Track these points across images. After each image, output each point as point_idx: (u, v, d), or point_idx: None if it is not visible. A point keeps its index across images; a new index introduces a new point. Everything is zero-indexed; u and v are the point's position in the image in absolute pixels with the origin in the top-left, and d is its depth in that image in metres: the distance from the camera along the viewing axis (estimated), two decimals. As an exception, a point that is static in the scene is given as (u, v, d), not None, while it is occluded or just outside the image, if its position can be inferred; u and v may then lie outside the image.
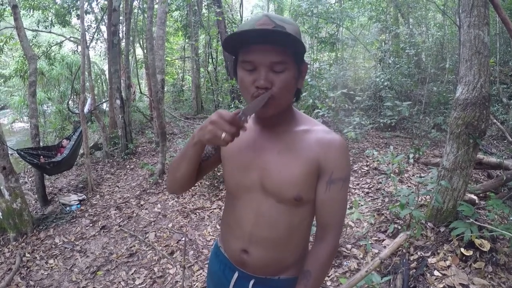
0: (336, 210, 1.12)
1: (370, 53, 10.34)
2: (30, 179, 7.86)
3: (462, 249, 2.83)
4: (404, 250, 3.06)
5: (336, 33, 9.27)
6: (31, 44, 9.04)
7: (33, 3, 10.68)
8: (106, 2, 9.63)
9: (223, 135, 0.94)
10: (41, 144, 6.79)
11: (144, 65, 13.30)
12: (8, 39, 10.83)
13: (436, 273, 2.72)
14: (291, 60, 1.00)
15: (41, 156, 6.03)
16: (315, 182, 1.10)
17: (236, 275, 1.27)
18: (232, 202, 1.25)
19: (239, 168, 1.17)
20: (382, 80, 7.86)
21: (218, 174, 5.64)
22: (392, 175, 3.94)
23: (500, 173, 4.49)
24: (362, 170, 5.32)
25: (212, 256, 1.42)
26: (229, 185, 1.23)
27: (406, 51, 8.38)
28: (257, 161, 1.13)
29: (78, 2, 10.36)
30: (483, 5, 3.06)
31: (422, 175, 4.75)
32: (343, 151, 1.10)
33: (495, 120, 6.16)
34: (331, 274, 2.96)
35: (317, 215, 1.14)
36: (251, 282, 1.24)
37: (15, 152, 5.57)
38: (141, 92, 13.67)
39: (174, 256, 3.85)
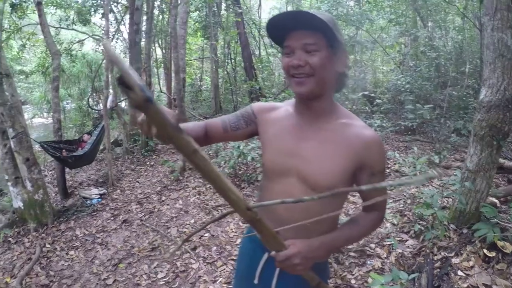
0: (379, 194, 1.19)
1: (389, 56, 10.29)
2: (50, 172, 7.99)
3: (485, 250, 2.84)
4: (427, 250, 3.07)
5: (355, 35, 9.25)
6: (54, 41, 9.21)
7: (55, 1, 10.86)
8: (127, 2, 9.75)
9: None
10: (62, 138, 6.91)
11: (162, 64, 13.41)
12: (30, 36, 11.03)
13: (460, 273, 2.73)
14: (324, 43, 1.08)
15: (63, 150, 6.12)
16: (350, 176, 1.16)
17: (265, 256, 1.32)
18: (268, 185, 1.31)
19: (279, 153, 1.23)
20: (403, 83, 7.81)
21: (239, 173, 5.68)
22: (414, 177, 3.94)
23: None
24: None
25: (245, 237, 1.49)
26: (267, 168, 1.29)
27: (428, 54, 8.32)
28: (297, 148, 1.19)
29: (101, 1, 10.53)
30: (506, 9, 3.07)
31: (443, 178, 4.73)
32: (381, 146, 1.17)
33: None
34: (355, 273, 2.98)
35: (363, 198, 1.28)
36: None
37: (38, 144, 5.65)
38: (161, 91, 13.79)
39: (197, 252, 3.88)
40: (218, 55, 13.72)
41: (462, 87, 8.25)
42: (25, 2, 9.39)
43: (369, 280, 2.85)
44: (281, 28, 1.10)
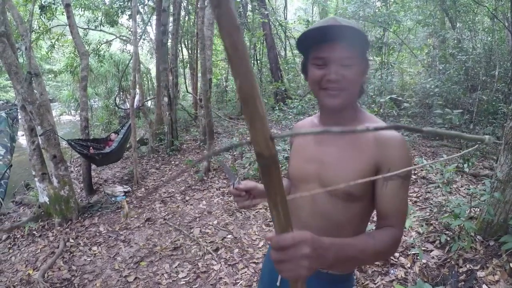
0: (395, 205, 1.08)
1: (416, 58, 10.09)
2: (76, 169, 8.18)
3: (511, 265, 2.74)
4: (453, 262, 3.00)
5: (383, 37, 9.10)
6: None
7: (83, 2, 11.11)
8: (153, 4, 9.87)
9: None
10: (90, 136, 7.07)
11: (188, 64, 13.53)
12: (59, 37, 11.33)
13: (484, 287, 2.66)
14: (357, 56, 1.09)
15: (91, 147, 6.26)
16: (371, 181, 1.12)
17: None
18: (294, 190, 1.34)
19: (302, 160, 1.28)
20: (432, 86, 7.63)
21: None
22: (444, 184, 3.84)
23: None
24: (411, 178, 5.19)
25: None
26: (292, 175, 1.34)
27: (458, 57, 8.10)
28: (318, 155, 1.22)
29: (129, 3, 10.71)
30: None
31: (471, 186, 4.60)
32: (401, 148, 1.09)
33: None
34: (378, 282, 2.93)
35: (377, 209, 1.14)
36: None
37: (66, 141, 5.79)
38: (187, 91, 13.91)
39: (219, 253, 3.89)
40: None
41: (492, 91, 8.00)
42: (54, 4, 9.64)
43: (392, 290, 2.80)
44: (315, 40, 1.10)
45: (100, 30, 11.62)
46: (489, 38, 9.28)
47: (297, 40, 1.14)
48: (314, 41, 1.11)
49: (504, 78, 8.15)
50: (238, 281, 3.38)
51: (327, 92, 1.11)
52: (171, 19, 8.91)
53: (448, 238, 3.28)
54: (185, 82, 14.39)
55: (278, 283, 1.39)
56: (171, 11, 9.32)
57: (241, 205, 1.32)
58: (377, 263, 3.17)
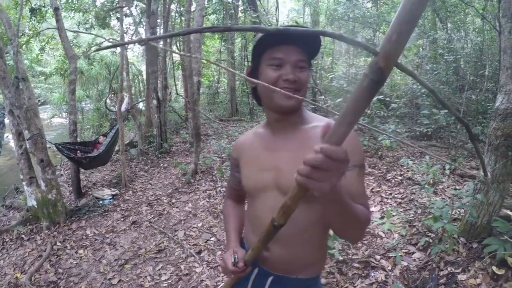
0: (358, 191, 1.11)
1: (406, 59, 10.10)
2: (66, 172, 8.14)
3: (494, 267, 2.71)
4: (434, 265, 2.97)
5: (373, 37, 9.11)
6: (71, 45, 9.37)
7: (74, 5, 11.06)
8: (144, 6, 9.86)
9: (232, 277, 1.24)
10: (78, 139, 7.03)
11: (180, 66, 13.52)
12: (49, 39, 11.27)
13: (465, 290, 2.63)
14: (307, 61, 1.14)
15: (78, 151, 6.22)
16: None
17: (256, 271, 1.33)
18: (252, 202, 1.32)
19: (255, 170, 1.26)
20: (420, 87, 7.64)
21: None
22: (426, 186, 3.83)
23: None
24: (396, 179, 5.19)
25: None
26: (247, 187, 1.32)
27: (445, 57, 8.12)
28: (271, 161, 1.21)
29: (118, 4, 10.67)
30: (524, 10, 2.94)
31: (457, 187, 4.59)
32: (353, 139, 1.12)
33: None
34: (358, 285, 2.90)
35: None
36: (270, 279, 1.29)
37: (54, 145, 5.77)
38: (177, 93, 13.90)
39: (201, 256, 3.89)
40: (235, 58, 13.75)
41: (481, 91, 8.01)
42: (44, 7, 9.59)
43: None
44: (273, 41, 1.11)
45: (90, 33, 11.55)
46: (479, 39, 9.29)
47: (254, 43, 1.14)
48: (271, 43, 1.11)
49: (494, 78, 8.15)
50: (219, 283, 3.38)
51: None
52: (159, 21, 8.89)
53: (431, 241, 3.26)
54: (175, 84, 14.37)
55: None
56: (161, 13, 9.29)
57: (241, 276, 1.26)
58: (357, 265, 3.15)
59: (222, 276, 3.46)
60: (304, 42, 1.10)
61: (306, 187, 0.74)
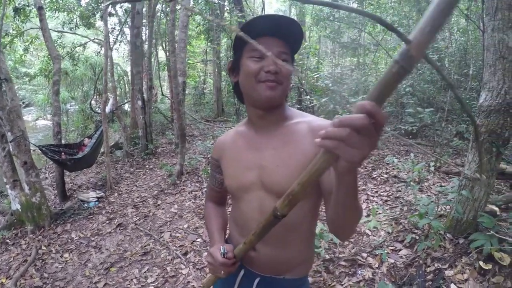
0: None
1: (391, 58, 10.19)
2: (50, 175, 8.03)
3: (480, 262, 2.72)
4: (421, 261, 2.98)
5: (358, 38, 9.16)
6: (55, 45, 9.24)
7: (58, 5, 10.93)
8: (130, 5, 9.79)
9: (222, 273, 1.16)
10: (63, 141, 6.94)
11: (166, 67, 13.45)
12: (33, 39, 11.12)
13: (452, 286, 2.63)
14: (290, 54, 1.12)
15: (63, 153, 6.14)
16: None
17: (242, 272, 1.30)
18: (237, 203, 1.29)
19: (239, 170, 1.22)
20: (404, 86, 7.73)
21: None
22: (412, 183, 3.85)
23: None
24: (382, 177, 5.22)
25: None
26: (231, 187, 1.27)
27: (429, 56, 8.19)
28: (255, 160, 1.18)
29: (102, 5, 10.57)
30: (507, 8, 2.94)
31: (443, 184, 4.62)
32: None
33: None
34: (345, 283, 2.90)
35: (328, 193, 1.08)
36: (256, 281, 1.26)
37: (38, 148, 5.68)
38: (162, 94, 13.82)
39: (187, 257, 3.86)
40: (221, 58, 13.72)
41: (466, 90, 8.12)
42: (28, 6, 9.46)
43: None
44: (257, 31, 1.07)
45: (74, 33, 11.43)
46: (463, 38, 9.42)
47: (236, 35, 1.09)
48: (252, 35, 1.06)
49: (478, 77, 8.26)
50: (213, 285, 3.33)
51: (265, 84, 1.08)
52: (145, 21, 8.82)
53: (417, 237, 3.27)
54: (160, 84, 14.29)
55: None
56: (146, 13, 9.22)
57: (231, 270, 1.19)
58: (344, 264, 3.15)
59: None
60: (285, 34, 1.08)
61: (334, 155, 0.65)
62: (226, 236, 1.40)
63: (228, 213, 1.42)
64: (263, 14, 1.10)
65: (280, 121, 1.19)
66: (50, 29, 7.09)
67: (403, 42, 0.55)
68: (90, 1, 11.31)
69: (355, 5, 10.07)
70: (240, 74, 1.15)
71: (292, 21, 1.06)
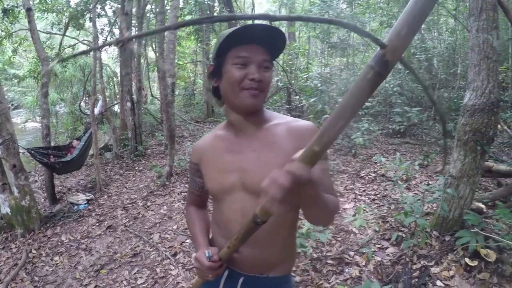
0: (326, 181, 1.16)
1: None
2: (40, 178, 7.97)
3: (466, 259, 2.76)
4: (407, 259, 3.01)
5: (347, 38, 9.21)
6: (44, 46, 9.17)
7: (47, 6, 10.84)
8: (119, 6, 9.74)
9: (210, 276, 1.18)
10: (52, 144, 6.90)
11: (156, 68, 13.41)
12: (22, 41, 11.03)
13: (438, 283, 2.67)
14: (271, 61, 1.14)
15: (51, 156, 6.11)
16: None
17: (226, 273, 1.31)
18: (218, 206, 1.29)
19: (220, 173, 1.23)
20: (392, 85, 7.79)
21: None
22: (398, 182, 3.89)
23: (510, 181, 4.39)
24: (369, 176, 5.27)
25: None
26: (213, 190, 1.28)
27: (417, 56, 8.29)
28: (236, 163, 1.19)
29: (91, 6, 10.51)
30: (492, 9, 3.00)
31: (430, 182, 4.67)
32: (316, 132, 1.13)
33: (506, 127, 6.05)
34: (332, 281, 2.92)
35: None
36: (241, 280, 1.28)
37: (26, 151, 5.64)
38: (152, 95, 13.77)
39: (177, 258, 3.86)
40: (211, 59, 13.69)
41: (454, 89, 8.21)
42: (16, 7, 9.38)
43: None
44: (243, 39, 1.09)
45: (63, 35, 11.33)
46: (452, 38, 9.51)
47: (220, 42, 1.10)
48: (236, 42, 1.10)
49: (466, 76, 8.34)
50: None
51: (249, 92, 1.10)
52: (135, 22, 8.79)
53: (404, 235, 3.31)
54: (150, 86, 14.24)
55: None
56: (136, 14, 9.19)
57: (218, 273, 1.21)
58: (331, 262, 3.17)
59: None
60: (269, 42, 1.10)
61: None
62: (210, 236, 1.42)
63: (210, 214, 1.43)
64: (252, 23, 1.10)
65: (260, 124, 1.21)
66: (39, 31, 7.04)
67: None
68: (80, 2, 11.24)
69: (344, 6, 10.15)
70: (222, 80, 1.15)
71: (279, 32, 1.07)
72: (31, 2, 6.67)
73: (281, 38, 1.10)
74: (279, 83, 10.30)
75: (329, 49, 9.42)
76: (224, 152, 1.24)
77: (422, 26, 10.38)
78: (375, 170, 5.47)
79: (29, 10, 6.04)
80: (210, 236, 1.42)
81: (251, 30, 1.05)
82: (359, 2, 10.11)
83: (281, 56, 11.29)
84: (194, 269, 1.25)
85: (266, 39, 1.08)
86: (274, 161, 1.13)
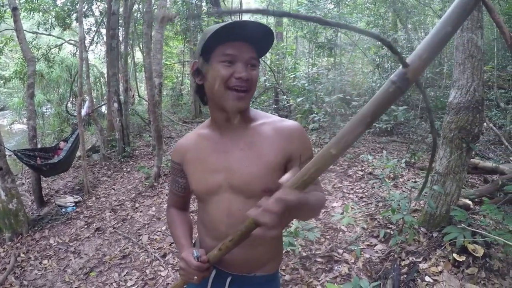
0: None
1: (367, 58, 10.36)
2: (27, 181, 7.85)
3: (454, 255, 2.80)
4: (396, 255, 3.05)
5: (335, 38, 9.26)
6: (31, 46, 9.05)
7: (33, 5, 10.70)
8: (106, 6, 9.66)
9: (195, 278, 1.13)
10: (38, 146, 6.81)
11: (143, 68, 13.33)
12: (8, 41, 10.86)
13: (427, 278, 2.70)
14: (258, 58, 1.12)
15: (38, 158, 6.03)
16: (282, 171, 1.15)
17: (213, 273, 1.30)
18: (204, 207, 1.27)
19: (206, 173, 1.21)
20: (379, 85, 7.85)
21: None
22: (385, 179, 3.92)
23: (496, 177, 4.46)
24: (357, 175, 5.31)
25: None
26: (198, 191, 1.26)
27: (403, 56, 8.35)
28: (222, 163, 1.18)
29: (78, 5, 10.40)
30: (476, 9, 3.05)
31: (417, 180, 4.73)
32: (303, 134, 1.20)
33: (491, 125, 6.15)
34: (322, 279, 2.94)
35: None
36: (228, 280, 1.28)
37: (13, 153, 5.56)
38: (139, 96, 13.68)
39: (166, 259, 3.85)
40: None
41: (440, 88, 8.31)
42: (2, 6, 9.24)
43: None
44: (230, 36, 1.06)
45: (49, 34, 11.20)
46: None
47: (206, 38, 1.07)
48: (223, 39, 1.07)
49: (452, 75, 8.45)
50: (184, 286, 3.32)
51: (236, 93, 1.08)
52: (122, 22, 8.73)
53: (392, 232, 3.34)
54: (137, 86, 14.14)
55: None
56: (122, 13, 9.12)
57: (205, 275, 1.16)
58: (320, 260, 3.20)
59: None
60: (256, 40, 1.08)
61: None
62: (194, 241, 1.39)
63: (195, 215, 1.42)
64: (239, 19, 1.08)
65: (246, 123, 1.20)
66: (25, 30, 6.95)
67: (378, 43, 0.59)
68: (66, 1, 11.12)
69: (331, 6, 10.18)
70: (207, 78, 1.12)
71: (267, 29, 1.06)
72: (17, 1, 6.58)
73: (270, 37, 1.09)
74: (266, 83, 10.31)
75: (317, 49, 9.45)
76: (209, 152, 1.22)
77: (409, 26, 10.55)
78: (363, 168, 5.52)
79: (15, 10, 5.95)
80: (196, 236, 1.41)
81: (239, 27, 1.03)
82: (346, 2, 10.16)
83: (268, 56, 11.34)
84: (179, 270, 1.18)
85: (254, 36, 1.06)
86: (262, 159, 1.13)
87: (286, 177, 0.85)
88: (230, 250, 1.05)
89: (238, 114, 1.16)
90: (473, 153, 5.30)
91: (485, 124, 5.51)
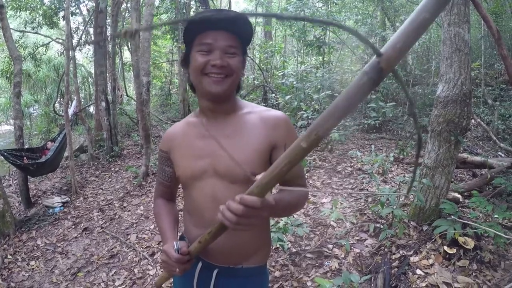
0: (297, 171, 1.21)
1: (356, 56, 10.42)
2: (14, 182, 7.77)
3: (445, 247, 2.80)
4: (386, 249, 3.04)
5: (323, 36, 9.28)
6: (17, 45, 8.93)
7: (20, 3, 10.58)
8: (94, 4, 9.57)
9: (177, 270, 1.13)
10: (25, 146, 6.73)
11: (132, 67, 13.24)
12: (-6, 40, 10.72)
13: (418, 271, 2.70)
14: (240, 48, 1.15)
15: (25, 157, 5.96)
16: (267, 159, 1.18)
17: (200, 265, 1.30)
18: (189, 193, 1.28)
19: (191, 159, 1.23)
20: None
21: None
22: (374, 175, 3.93)
23: (485, 171, 4.50)
24: (346, 171, 5.33)
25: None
26: (184, 177, 1.27)
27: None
28: (207, 148, 1.20)
29: (65, 4, 10.28)
30: (463, 3, 3.07)
31: (406, 174, 4.75)
32: (289, 123, 1.23)
33: (479, 120, 6.21)
34: (312, 275, 2.93)
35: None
36: (215, 272, 1.27)
37: (-1, 153, 5.50)
38: (127, 95, 13.58)
39: (154, 258, 3.82)
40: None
41: (428, 85, 8.37)
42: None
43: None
44: (202, 26, 1.10)
45: (37, 33, 11.07)
46: (426, 36, 9.70)
47: (184, 29, 1.12)
48: (200, 29, 1.10)
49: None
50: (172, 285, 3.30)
51: (211, 78, 1.11)
52: (109, 20, 8.64)
53: (381, 226, 3.34)
54: (125, 85, 14.04)
55: None
56: (110, 11, 9.03)
57: (186, 267, 1.16)
58: (310, 256, 3.18)
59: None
60: (234, 28, 1.10)
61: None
62: (180, 233, 1.40)
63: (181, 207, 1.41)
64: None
65: (231, 112, 1.22)
66: (12, 29, 6.87)
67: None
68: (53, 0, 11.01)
69: (320, 4, 10.20)
70: (190, 67, 1.16)
71: (239, 15, 1.12)
72: (3, 0, 6.47)
73: (243, 22, 1.11)
74: (255, 81, 10.30)
75: (305, 47, 9.48)
76: (195, 138, 1.24)
77: (397, 24, 10.61)
78: (352, 164, 5.54)
79: (1, 8, 5.86)
80: (183, 229, 1.41)
81: (212, 15, 1.05)
82: (335, 1, 10.20)
83: (257, 55, 11.32)
84: (161, 262, 1.16)
85: (229, 24, 1.08)
86: (248, 146, 1.15)
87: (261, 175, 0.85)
88: (209, 243, 1.05)
89: (220, 100, 1.18)
90: (462, 149, 5.34)
91: (473, 120, 5.56)
